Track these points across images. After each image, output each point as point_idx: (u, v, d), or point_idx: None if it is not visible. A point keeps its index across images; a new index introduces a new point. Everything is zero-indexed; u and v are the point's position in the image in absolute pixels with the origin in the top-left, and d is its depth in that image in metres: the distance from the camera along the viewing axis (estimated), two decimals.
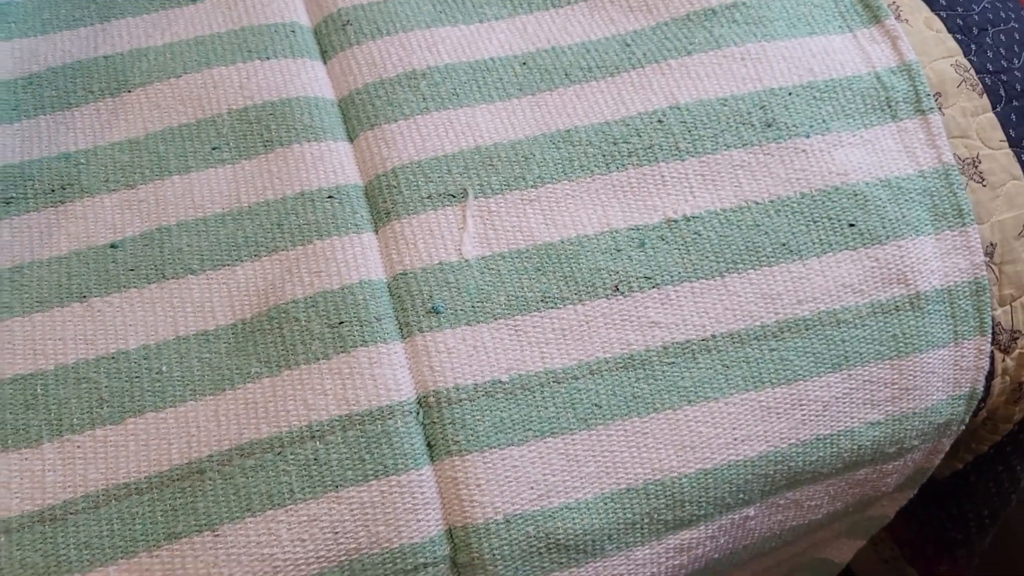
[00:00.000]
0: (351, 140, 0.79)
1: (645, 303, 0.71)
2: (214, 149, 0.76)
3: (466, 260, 0.71)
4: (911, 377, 0.73)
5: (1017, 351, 0.79)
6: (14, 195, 0.75)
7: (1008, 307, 0.79)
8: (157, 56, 0.82)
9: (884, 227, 0.75)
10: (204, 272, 0.71)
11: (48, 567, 0.62)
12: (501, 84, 0.80)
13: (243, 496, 0.64)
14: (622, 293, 0.71)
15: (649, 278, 0.71)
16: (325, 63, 0.84)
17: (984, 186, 0.80)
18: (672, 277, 0.72)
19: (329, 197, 0.74)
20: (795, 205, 0.75)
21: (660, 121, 0.77)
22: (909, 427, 0.74)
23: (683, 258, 0.72)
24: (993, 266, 0.78)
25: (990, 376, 0.78)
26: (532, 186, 0.75)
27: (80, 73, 0.81)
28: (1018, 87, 0.84)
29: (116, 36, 0.83)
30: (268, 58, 0.81)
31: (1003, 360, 0.79)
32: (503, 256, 0.72)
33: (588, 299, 0.71)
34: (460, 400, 0.67)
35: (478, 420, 0.66)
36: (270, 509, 0.63)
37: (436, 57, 0.81)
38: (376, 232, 0.74)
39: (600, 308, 0.71)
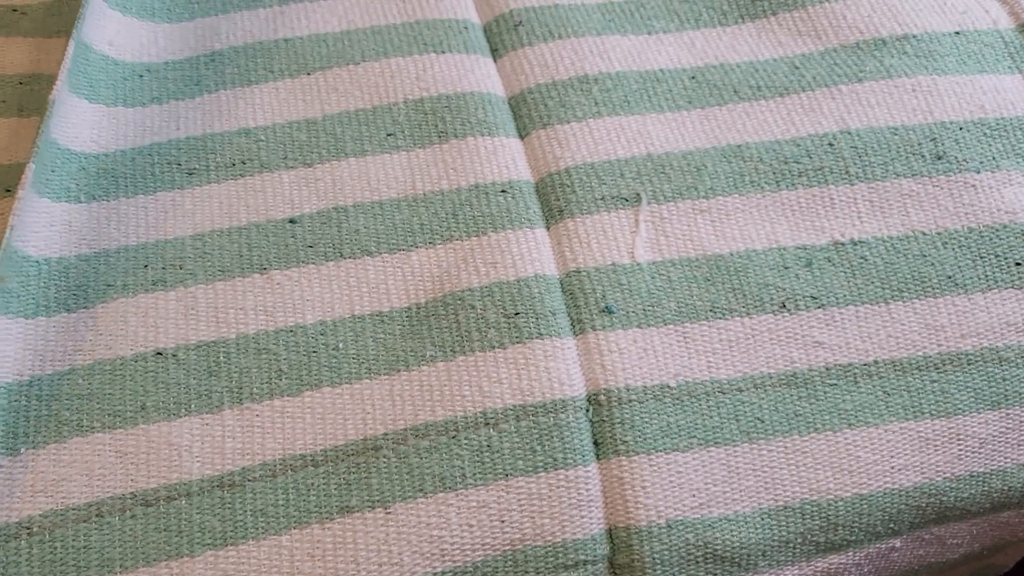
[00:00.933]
0: (522, 137, 0.79)
1: (810, 322, 0.70)
2: (389, 135, 0.77)
3: (638, 264, 0.71)
4: None
5: None
6: (196, 167, 0.76)
7: None
8: (335, 42, 0.83)
9: None
10: (380, 255, 0.72)
11: (225, 532, 0.63)
12: (671, 95, 0.80)
13: (416, 476, 0.64)
14: (788, 310, 0.71)
15: (815, 298, 0.71)
16: (495, 61, 0.84)
17: None
18: (838, 299, 0.71)
19: (502, 191, 0.74)
20: (962, 239, 0.74)
21: (831, 144, 0.77)
22: None
23: (849, 281, 0.72)
24: None
25: None
26: (704, 197, 0.74)
27: (260, 53, 0.83)
28: None
29: (295, 19, 0.85)
30: (443, 52, 0.82)
31: None
32: (674, 263, 0.72)
33: (755, 313, 0.70)
34: (630, 401, 0.67)
35: (646, 423, 0.66)
36: (442, 492, 0.64)
37: (607, 64, 0.82)
38: (548, 229, 0.74)
39: (766, 323, 0.70)
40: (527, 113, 0.80)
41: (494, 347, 0.68)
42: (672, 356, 0.68)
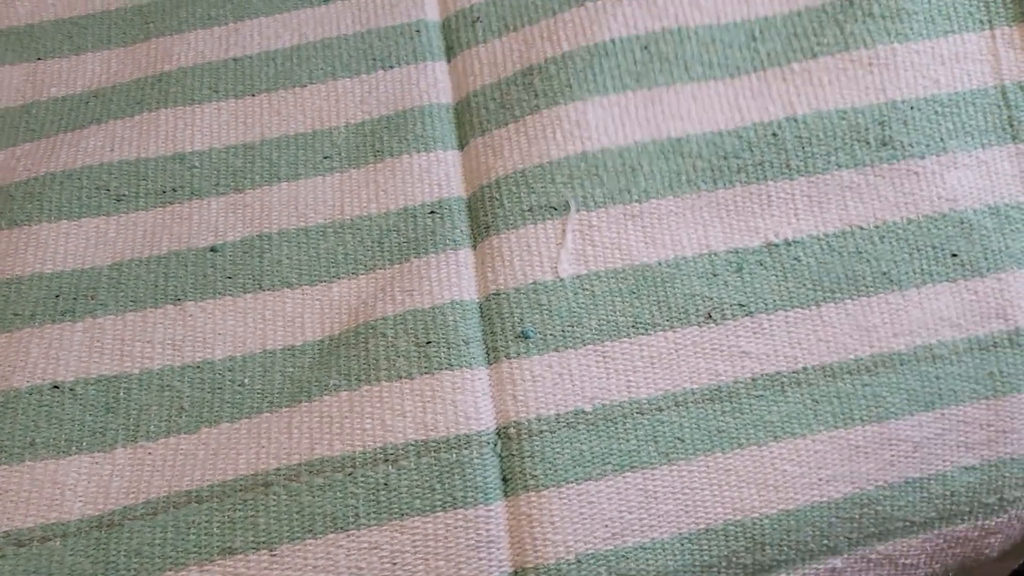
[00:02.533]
0: (461, 148, 0.76)
1: (737, 332, 0.67)
2: (325, 158, 0.75)
3: (561, 280, 0.68)
4: (1009, 419, 0.68)
5: None
6: (126, 193, 0.74)
7: None
8: (284, 60, 0.80)
9: (986, 258, 0.70)
10: (300, 287, 0.70)
11: (95, 574, 0.61)
12: (618, 73, 0.76)
13: (307, 516, 0.61)
14: (715, 321, 0.67)
15: (743, 306, 0.68)
16: (449, 61, 0.81)
17: None
18: (767, 305, 0.68)
19: (431, 212, 0.71)
20: (900, 232, 0.71)
21: (775, 135, 0.73)
22: (1008, 474, 0.68)
23: (779, 285, 0.69)
24: None
25: None
26: (636, 200, 0.71)
27: (208, 73, 0.80)
28: None
29: (247, 37, 0.82)
30: (391, 67, 0.79)
31: None
32: (599, 276, 0.68)
33: (680, 326, 0.67)
34: (541, 432, 0.64)
35: (558, 453, 0.63)
36: (332, 532, 0.61)
37: (554, 46, 0.78)
38: (474, 248, 0.71)
39: (691, 336, 0.67)
40: (469, 120, 0.77)
41: (401, 377, 0.65)
42: (590, 379, 0.65)
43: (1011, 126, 0.75)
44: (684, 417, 0.65)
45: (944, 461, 0.67)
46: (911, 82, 0.75)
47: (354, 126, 0.76)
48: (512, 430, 0.64)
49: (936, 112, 0.74)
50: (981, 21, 0.78)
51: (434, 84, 0.79)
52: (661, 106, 0.75)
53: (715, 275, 0.69)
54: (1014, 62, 0.77)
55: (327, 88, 0.79)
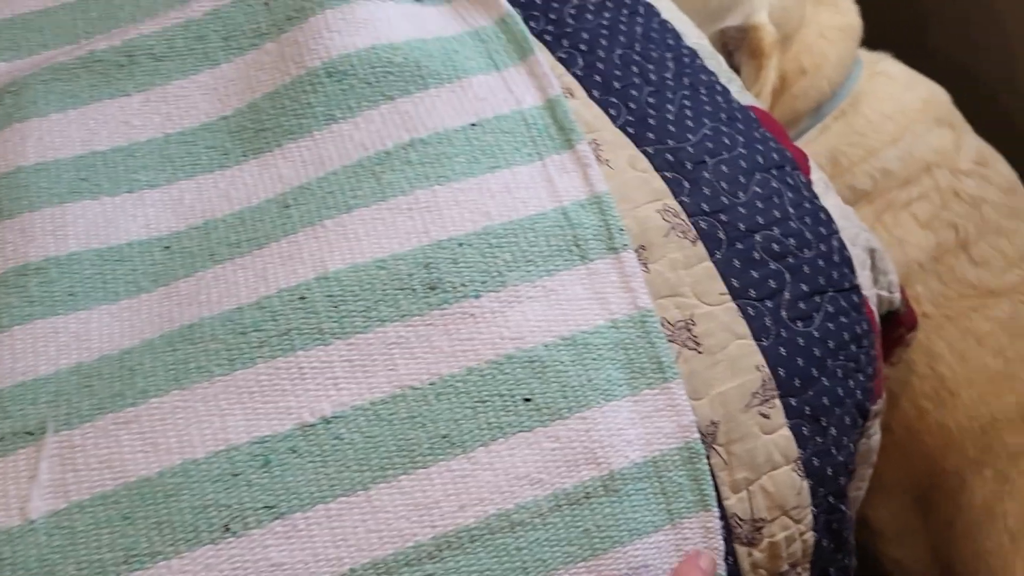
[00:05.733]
0: None
1: (265, 541, 0.51)
2: None
3: (31, 522, 0.51)
4: None
5: (765, 541, 0.60)
6: None
7: (744, 493, 0.60)
8: None
9: (566, 397, 0.57)
10: None
11: None
12: (133, 276, 0.61)
13: None
14: (234, 533, 0.51)
15: (271, 507, 0.52)
16: None
17: (700, 353, 0.61)
18: (301, 501, 0.52)
19: None
20: (460, 385, 0.56)
21: (302, 298, 0.58)
22: None
23: (317, 474, 0.53)
24: (718, 448, 0.60)
25: None
26: (131, 404, 0.54)
27: None
28: (741, 227, 0.66)
29: None
30: None
31: (749, 555, 0.60)
32: (81, 507, 0.51)
33: (187, 549, 0.51)
34: None
35: None
36: None
37: (60, 244, 0.61)
38: None
39: (203, 558, 0.51)
40: None
41: None
42: None
43: (578, 246, 0.62)
44: None
45: None
46: (457, 219, 0.62)
47: None
48: None
49: (490, 245, 0.61)
50: (530, 154, 0.66)
51: None
52: (179, 298, 0.60)
53: (235, 475, 0.53)
54: (570, 184, 0.65)
55: None
